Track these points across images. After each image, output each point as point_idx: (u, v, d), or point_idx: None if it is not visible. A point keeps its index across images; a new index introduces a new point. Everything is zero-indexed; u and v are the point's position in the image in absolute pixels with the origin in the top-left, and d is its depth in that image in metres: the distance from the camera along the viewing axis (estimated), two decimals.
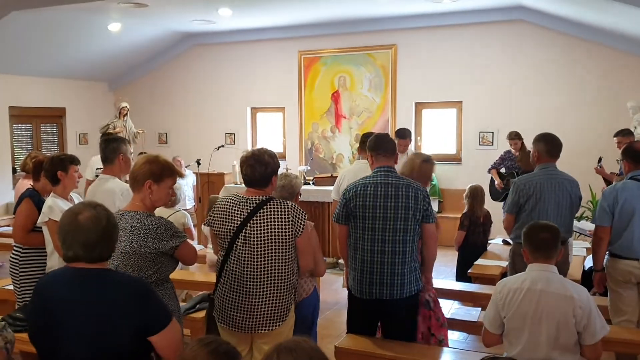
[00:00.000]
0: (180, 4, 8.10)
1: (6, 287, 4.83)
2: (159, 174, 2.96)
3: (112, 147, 4.04)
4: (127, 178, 4.53)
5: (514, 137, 7.30)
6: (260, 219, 3.12)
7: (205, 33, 10.35)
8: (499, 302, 2.88)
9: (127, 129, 9.26)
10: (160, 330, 2.23)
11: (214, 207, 3.29)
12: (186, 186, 8.79)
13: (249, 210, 3.14)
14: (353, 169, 5.67)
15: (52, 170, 3.98)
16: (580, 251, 5.71)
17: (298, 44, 9.90)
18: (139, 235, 2.84)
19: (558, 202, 4.12)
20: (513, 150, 7.29)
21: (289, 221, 3.14)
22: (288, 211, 3.16)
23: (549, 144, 4.28)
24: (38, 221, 3.99)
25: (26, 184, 5.76)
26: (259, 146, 10.77)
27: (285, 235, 3.14)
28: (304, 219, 3.22)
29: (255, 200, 3.17)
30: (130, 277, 2.42)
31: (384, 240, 3.56)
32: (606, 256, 4.17)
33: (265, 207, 3.14)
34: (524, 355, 2.81)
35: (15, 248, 4.25)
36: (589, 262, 4.90)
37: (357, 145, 9.56)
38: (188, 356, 1.82)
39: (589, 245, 5.13)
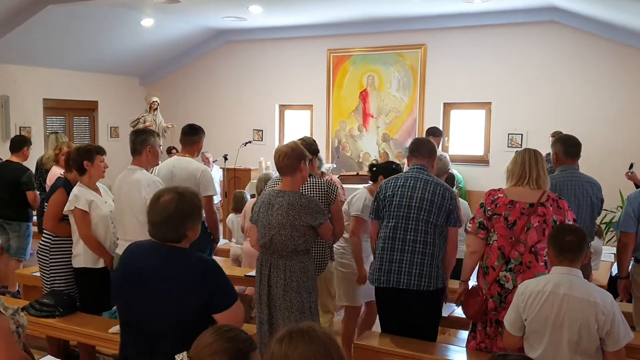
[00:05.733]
0: (212, 1, 8.18)
1: (34, 274, 4.94)
2: (306, 155, 3.67)
3: (140, 139, 4.12)
4: (155, 170, 4.66)
5: (556, 134, 7.14)
6: (303, 190, 3.85)
7: (236, 30, 10.42)
8: (520, 304, 2.84)
9: (156, 123, 9.37)
10: (224, 310, 2.43)
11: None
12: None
13: None
14: None
15: (78, 160, 4.08)
16: (608, 257, 5.62)
17: (327, 42, 9.90)
18: (295, 210, 3.45)
19: (578, 205, 4.02)
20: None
21: (323, 191, 3.93)
22: (322, 185, 3.97)
23: (567, 145, 4.20)
24: (64, 209, 4.07)
25: (57, 172, 5.92)
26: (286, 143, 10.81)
27: (320, 202, 3.80)
28: (336, 191, 3.98)
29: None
30: (201, 257, 2.55)
31: (407, 229, 3.60)
32: (632, 262, 4.08)
33: (306, 181, 3.90)
34: (544, 359, 2.77)
35: (45, 236, 4.34)
36: (616, 268, 4.81)
37: (384, 144, 9.58)
38: (207, 341, 1.84)
39: None
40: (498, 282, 3.40)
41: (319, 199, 3.87)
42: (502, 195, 3.48)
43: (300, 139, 4.22)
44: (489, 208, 3.47)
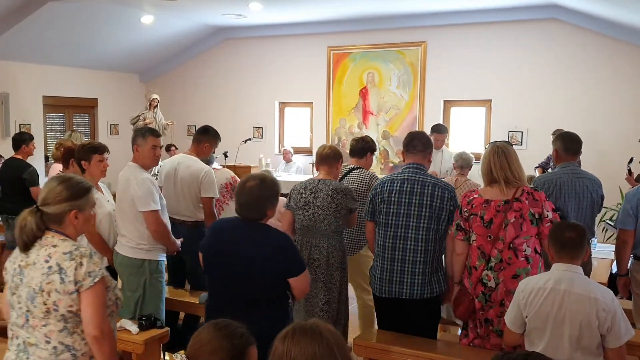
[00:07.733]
0: None
1: None
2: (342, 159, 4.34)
3: (132, 138, 4.19)
4: (155, 169, 4.66)
5: (557, 133, 7.12)
6: (348, 180, 4.58)
7: (236, 27, 10.42)
8: (520, 301, 2.84)
9: (156, 120, 9.36)
10: (297, 275, 2.93)
11: None
12: None
13: (342, 174, 4.56)
14: None
15: (78, 158, 4.15)
16: (608, 254, 5.62)
17: (327, 39, 9.89)
18: (339, 195, 4.01)
19: (579, 202, 4.02)
20: None
21: (366, 182, 4.55)
22: (365, 176, 4.59)
23: (568, 142, 4.17)
24: None
25: (57, 168, 5.91)
26: (286, 141, 10.88)
27: (363, 192, 4.47)
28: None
29: (348, 167, 4.70)
30: (278, 232, 3.06)
31: (407, 238, 3.51)
32: (631, 259, 4.08)
33: (351, 172, 4.65)
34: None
35: None
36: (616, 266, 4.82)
37: (384, 142, 9.57)
38: (204, 339, 1.84)
39: None
40: (481, 281, 3.38)
41: (361, 189, 4.46)
42: (477, 195, 3.43)
43: (360, 137, 4.88)
44: (465, 210, 3.43)
